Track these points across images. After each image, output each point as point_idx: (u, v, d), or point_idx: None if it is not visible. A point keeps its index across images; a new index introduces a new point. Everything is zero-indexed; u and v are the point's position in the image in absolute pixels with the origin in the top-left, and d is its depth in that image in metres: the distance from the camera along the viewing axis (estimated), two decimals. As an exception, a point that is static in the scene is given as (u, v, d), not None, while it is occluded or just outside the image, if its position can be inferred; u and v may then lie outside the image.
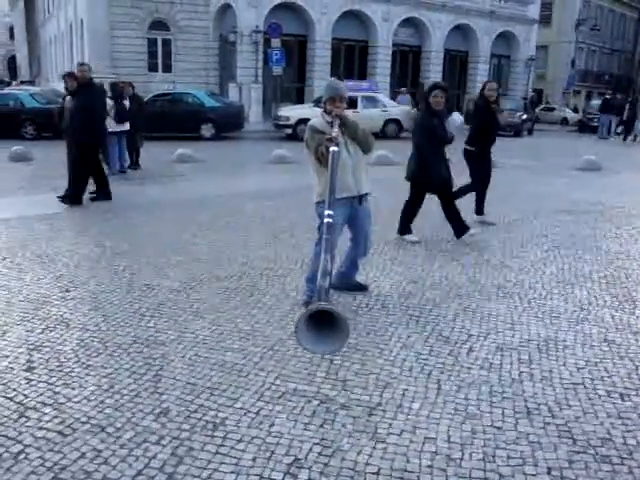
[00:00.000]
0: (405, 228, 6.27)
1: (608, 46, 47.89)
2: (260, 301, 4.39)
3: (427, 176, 5.90)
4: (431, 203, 6.26)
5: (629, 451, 2.63)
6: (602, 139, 22.88)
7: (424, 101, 5.97)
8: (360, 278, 4.72)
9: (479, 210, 7.15)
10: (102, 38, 24.13)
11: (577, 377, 3.30)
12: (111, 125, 10.36)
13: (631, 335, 3.90)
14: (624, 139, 22.57)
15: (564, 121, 33.57)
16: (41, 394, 3.03)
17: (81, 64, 8.17)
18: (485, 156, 6.95)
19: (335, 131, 3.77)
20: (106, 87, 12.32)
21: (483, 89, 6.79)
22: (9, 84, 34.92)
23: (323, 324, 2.65)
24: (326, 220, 3.27)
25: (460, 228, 6.12)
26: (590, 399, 3.07)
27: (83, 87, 7.84)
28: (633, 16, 50.43)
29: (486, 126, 6.79)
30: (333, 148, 3.64)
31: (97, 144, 8.13)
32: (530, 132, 24.68)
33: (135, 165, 11.56)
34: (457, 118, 6.18)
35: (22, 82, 39.82)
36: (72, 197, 7.89)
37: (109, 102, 10.75)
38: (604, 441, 2.70)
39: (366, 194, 4.22)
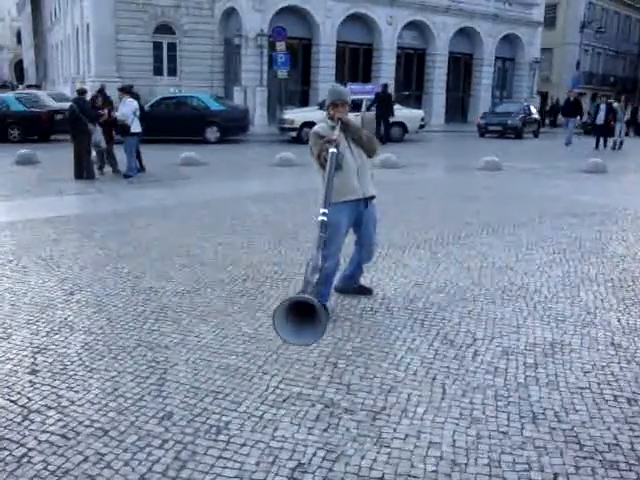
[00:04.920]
0: None
1: (613, 48, 47.74)
2: (264, 304, 4.38)
3: None
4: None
5: (637, 457, 2.60)
6: (567, 145, 19.42)
7: None
8: (364, 281, 4.71)
9: None
10: (108, 42, 24.23)
11: (583, 381, 3.27)
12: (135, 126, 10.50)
13: (638, 339, 3.87)
14: (596, 146, 18.72)
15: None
16: (45, 397, 3.02)
17: None
18: None
19: (336, 134, 3.79)
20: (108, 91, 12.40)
21: None
22: (14, 88, 35.11)
23: (304, 316, 2.68)
24: (320, 218, 3.30)
25: None
26: (597, 404, 3.04)
27: None
28: (638, 18, 50.30)
29: None
30: (332, 149, 3.67)
31: None
32: (536, 134, 24.64)
33: (140, 168, 11.57)
34: None
35: (28, 86, 40.06)
36: None
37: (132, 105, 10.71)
38: (611, 446, 2.67)
39: (372, 197, 4.21)
